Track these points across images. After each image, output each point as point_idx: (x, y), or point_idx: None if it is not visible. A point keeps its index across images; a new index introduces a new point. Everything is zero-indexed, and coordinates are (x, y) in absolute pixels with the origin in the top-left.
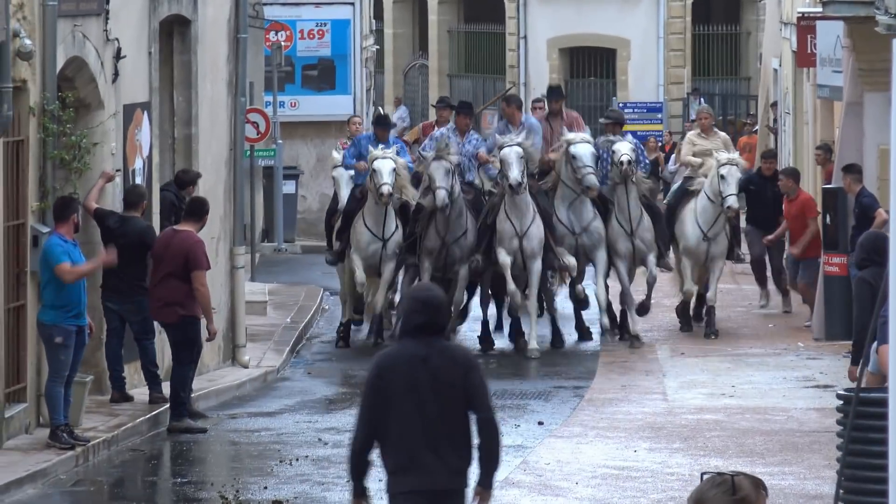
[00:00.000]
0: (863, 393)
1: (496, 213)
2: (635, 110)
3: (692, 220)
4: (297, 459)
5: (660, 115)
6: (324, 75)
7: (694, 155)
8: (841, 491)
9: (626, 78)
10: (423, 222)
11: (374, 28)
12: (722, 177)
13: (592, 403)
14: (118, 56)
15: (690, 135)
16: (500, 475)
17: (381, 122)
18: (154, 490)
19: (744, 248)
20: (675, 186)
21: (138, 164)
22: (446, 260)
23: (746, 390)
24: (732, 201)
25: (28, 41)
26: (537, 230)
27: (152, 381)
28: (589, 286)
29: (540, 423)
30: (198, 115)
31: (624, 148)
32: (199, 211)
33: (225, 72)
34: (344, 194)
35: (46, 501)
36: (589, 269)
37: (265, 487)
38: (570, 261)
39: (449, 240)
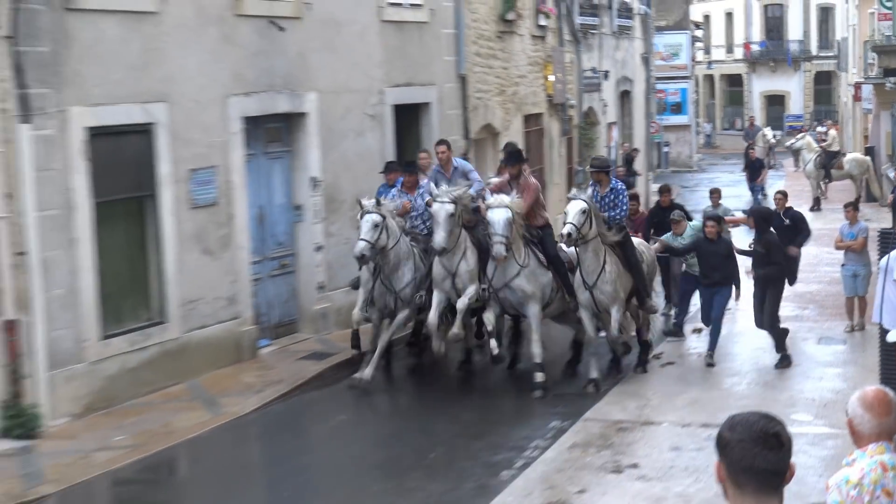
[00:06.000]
0: None
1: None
2: None
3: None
4: None
5: None
6: None
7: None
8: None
9: None
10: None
11: None
12: None
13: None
14: (605, 105)
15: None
16: None
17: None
18: None
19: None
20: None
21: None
22: (392, 306)
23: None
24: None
25: (569, 95)
26: (466, 266)
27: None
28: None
29: None
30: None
31: (570, 213)
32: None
33: None
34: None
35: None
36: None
37: None
38: (488, 316)
39: (393, 288)
